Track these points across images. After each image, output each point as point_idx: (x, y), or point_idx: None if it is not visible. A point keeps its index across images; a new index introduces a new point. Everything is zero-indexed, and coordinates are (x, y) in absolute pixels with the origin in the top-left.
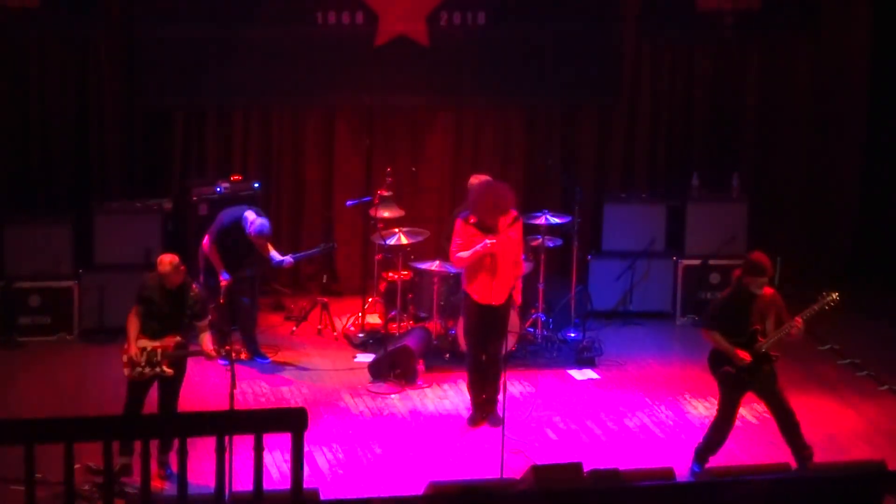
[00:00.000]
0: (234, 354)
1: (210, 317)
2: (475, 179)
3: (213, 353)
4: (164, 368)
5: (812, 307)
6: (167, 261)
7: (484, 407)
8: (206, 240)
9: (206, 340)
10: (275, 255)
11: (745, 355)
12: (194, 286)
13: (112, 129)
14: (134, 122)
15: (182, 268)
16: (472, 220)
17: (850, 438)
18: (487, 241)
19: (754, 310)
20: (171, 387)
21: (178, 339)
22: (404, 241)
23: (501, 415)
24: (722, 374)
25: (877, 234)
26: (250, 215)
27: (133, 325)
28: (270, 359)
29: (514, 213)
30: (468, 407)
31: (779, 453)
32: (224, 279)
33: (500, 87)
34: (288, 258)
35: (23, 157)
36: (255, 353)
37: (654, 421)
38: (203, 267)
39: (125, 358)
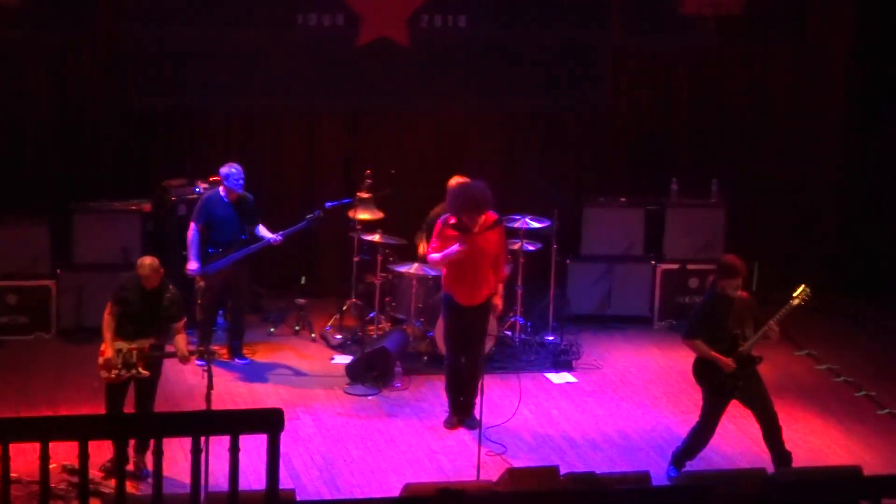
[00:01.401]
0: (210, 355)
1: (199, 314)
2: (455, 181)
3: (188, 355)
4: (141, 370)
5: (788, 304)
6: (147, 263)
7: (461, 409)
8: (190, 224)
9: (181, 342)
10: (266, 234)
11: (730, 361)
12: (171, 287)
13: (92, 130)
14: (115, 122)
15: (161, 270)
16: (451, 222)
17: (826, 444)
18: (457, 248)
19: (732, 315)
20: (147, 388)
21: (154, 340)
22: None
23: (478, 417)
24: (709, 383)
25: (856, 240)
26: (227, 177)
27: (109, 327)
28: (250, 359)
29: (494, 215)
30: (445, 409)
31: (755, 458)
32: (189, 269)
33: (480, 90)
34: (277, 236)
35: (1, 157)
36: (237, 354)
37: (631, 425)
38: (195, 256)
39: (101, 360)
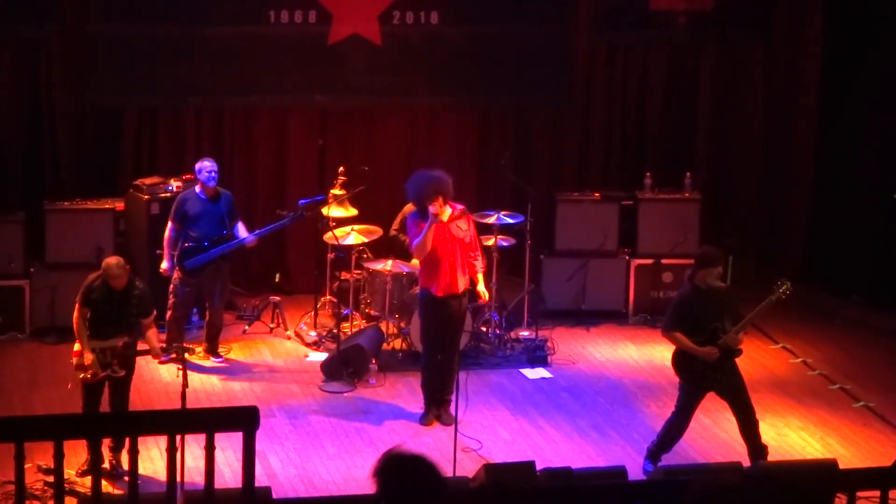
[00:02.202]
0: (183, 353)
1: (169, 312)
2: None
3: (160, 351)
4: (116, 369)
5: (768, 298)
6: (114, 263)
7: (437, 406)
8: (167, 224)
9: (152, 338)
10: (243, 233)
11: (713, 350)
12: (138, 283)
13: (64, 128)
14: (86, 120)
15: (128, 267)
16: (418, 217)
17: (802, 437)
18: (432, 211)
19: (711, 307)
20: (121, 387)
21: (126, 338)
22: (357, 240)
23: (454, 414)
24: (689, 376)
25: (829, 234)
26: (200, 171)
27: (82, 330)
28: (224, 358)
29: (460, 205)
30: (421, 406)
31: (731, 452)
32: (163, 269)
33: (453, 86)
34: (250, 237)
35: None
36: (213, 352)
37: (607, 420)
38: (177, 256)
39: (76, 361)
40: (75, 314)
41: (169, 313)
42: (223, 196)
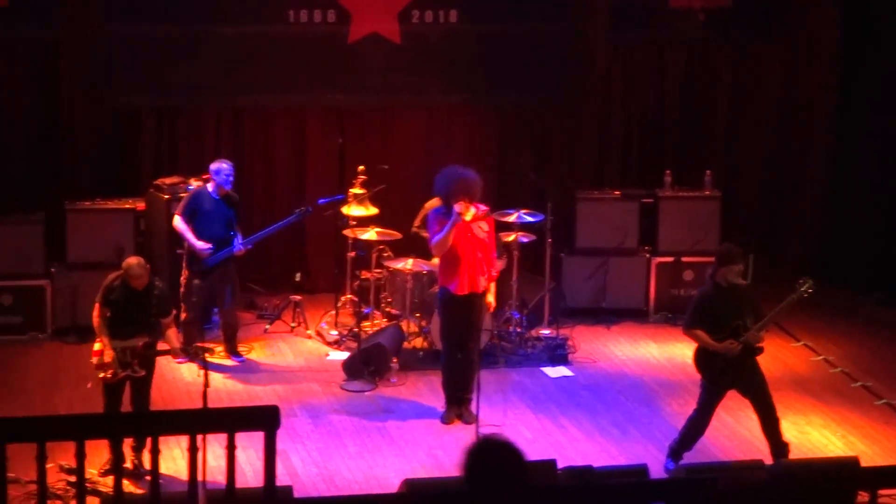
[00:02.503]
0: (204, 353)
1: (183, 314)
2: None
3: (179, 350)
4: (137, 369)
5: (790, 296)
6: (135, 263)
7: (458, 404)
8: (174, 216)
9: (172, 337)
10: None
11: (734, 344)
12: (158, 283)
13: (84, 129)
14: (105, 121)
15: (148, 267)
16: (441, 212)
17: (823, 435)
18: (456, 209)
19: (732, 305)
20: (142, 386)
21: (147, 338)
22: (374, 237)
23: (475, 412)
24: (711, 373)
25: (848, 231)
26: (218, 172)
27: (103, 330)
28: (245, 357)
29: (485, 207)
30: (442, 404)
31: (753, 450)
32: (204, 249)
33: (471, 85)
34: (239, 246)
35: None
36: (233, 352)
37: (628, 418)
38: (186, 257)
39: (96, 360)
40: (95, 314)
41: (183, 315)
42: (234, 199)
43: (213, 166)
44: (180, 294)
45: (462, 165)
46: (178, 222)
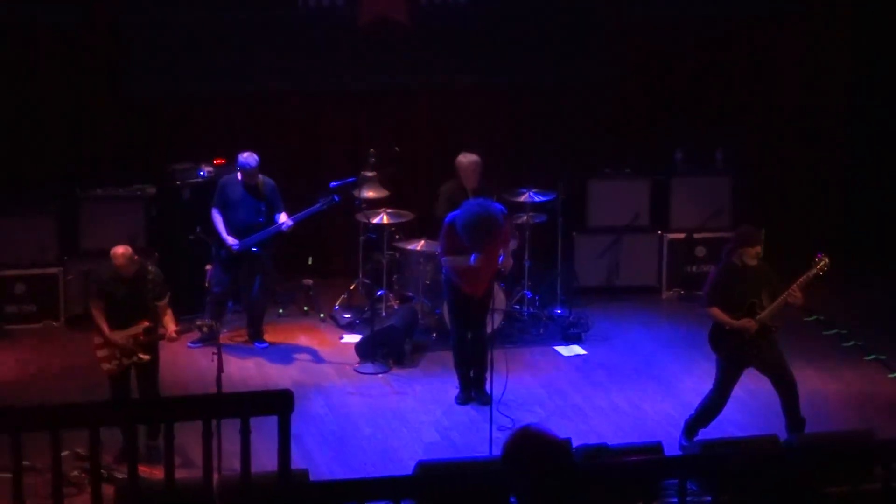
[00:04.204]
0: (210, 330)
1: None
2: (464, 158)
3: (175, 335)
4: (141, 356)
5: (807, 273)
6: (120, 253)
7: (471, 385)
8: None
9: (169, 321)
10: (283, 219)
11: (750, 322)
12: (151, 268)
13: (96, 116)
14: (118, 108)
15: (136, 257)
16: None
17: (837, 409)
18: (471, 263)
19: (749, 283)
20: (149, 372)
21: (147, 323)
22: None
23: (489, 392)
24: (727, 351)
25: (863, 206)
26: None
27: (103, 321)
28: (269, 343)
29: (507, 249)
30: (456, 385)
31: (768, 425)
32: (233, 245)
33: (482, 64)
34: (286, 222)
35: (6, 145)
36: (256, 338)
37: (642, 395)
38: (213, 245)
39: (100, 353)
40: (92, 308)
41: (208, 299)
42: (265, 184)
43: (240, 158)
44: (206, 281)
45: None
46: (215, 216)
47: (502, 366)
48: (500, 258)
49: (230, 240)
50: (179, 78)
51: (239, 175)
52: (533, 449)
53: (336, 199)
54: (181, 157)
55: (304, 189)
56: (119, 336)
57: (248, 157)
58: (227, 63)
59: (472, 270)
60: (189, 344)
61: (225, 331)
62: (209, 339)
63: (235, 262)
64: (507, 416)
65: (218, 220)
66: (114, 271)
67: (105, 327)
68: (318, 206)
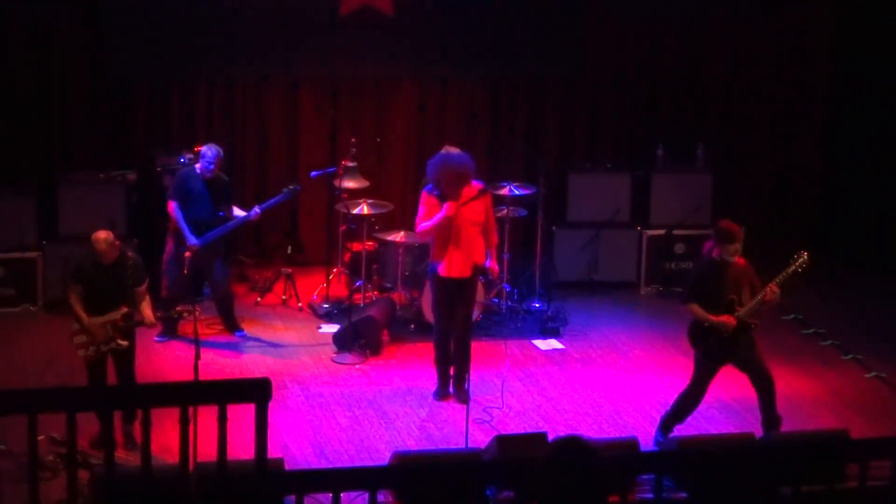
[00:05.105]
0: (181, 316)
1: (164, 291)
2: (449, 150)
3: (153, 320)
4: (119, 342)
5: (785, 270)
6: (102, 238)
7: (450, 380)
8: (169, 203)
9: (146, 308)
10: (240, 213)
11: (729, 319)
12: (130, 255)
13: (76, 100)
14: (98, 92)
15: (117, 243)
16: (435, 192)
17: (813, 407)
18: (442, 213)
19: (728, 280)
20: (125, 358)
21: (125, 309)
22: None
23: (466, 388)
24: (705, 348)
25: (841, 205)
26: (202, 157)
27: (79, 308)
28: (246, 332)
29: (479, 185)
30: (433, 377)
31: (743, 423)
32: (191, 244)
33: (464, 57)
34: (254, 210)
35: None
36: (234, 328)
37: (619, 391)
38: (173, 234)
39: (76, 340)
40: (70, 293)
41: (164, 293)
42: (221, 181)
43: (202, 149)
44: (161, 270)
45: (454, 146)
46: (174, 210)
47: (485, 362)
48: (487, 262)
49: (192, 239)
50: (159, 63)
51: (198, 167)
52: (580, 458)
53: (297, 188)
54: (160, 142)
55: (285, 177)
56: (97, 322)
57: (212, 149)
58: (208, 49)
59: (453, 247)
60: (155, 338)
61: (203, 316)
62: (173, 333)
63: (194, 259)
64: (484, 410)
65: (179, 215)
66: (94, 256)
67: (83, 315)
68: (281, 195)
